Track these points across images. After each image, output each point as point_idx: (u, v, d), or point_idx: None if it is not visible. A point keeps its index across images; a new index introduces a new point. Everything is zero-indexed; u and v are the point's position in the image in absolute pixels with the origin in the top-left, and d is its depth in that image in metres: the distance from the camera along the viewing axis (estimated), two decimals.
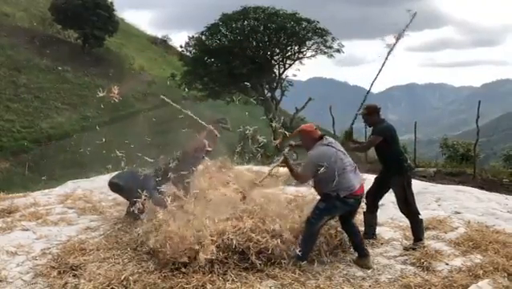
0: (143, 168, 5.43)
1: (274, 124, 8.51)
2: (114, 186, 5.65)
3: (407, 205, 4.76)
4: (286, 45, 23.21)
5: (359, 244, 4.39)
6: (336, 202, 4.19)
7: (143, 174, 5.34)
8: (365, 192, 4.58)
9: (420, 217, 4.81)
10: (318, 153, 4.22)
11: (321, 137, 4.34)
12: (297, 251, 4.15)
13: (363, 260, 4.32)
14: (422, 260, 4.30)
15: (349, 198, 4.19)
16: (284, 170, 9.14)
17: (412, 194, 4.77)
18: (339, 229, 4.67)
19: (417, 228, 4.75)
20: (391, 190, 4.89)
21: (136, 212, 5.17)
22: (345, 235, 4.62)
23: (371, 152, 5.75)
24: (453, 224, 5.41)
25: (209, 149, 5.55)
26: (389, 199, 5.10)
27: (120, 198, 5.89)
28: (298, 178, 4.42)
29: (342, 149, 4.36)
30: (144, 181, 5.25)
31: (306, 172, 4.27)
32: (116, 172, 5.79)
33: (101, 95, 4.67)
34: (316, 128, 4.42)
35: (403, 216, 4.92)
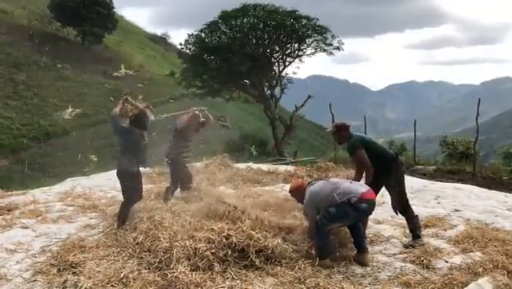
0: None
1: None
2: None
3: (396, 201, 4.78)
4: (285, 42, 23.13)
5: (360, 239, 4.39)
6: (348, 209, 4.14)
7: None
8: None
9: (415, 213, 4.84)
10: (310, 194, 4.42)
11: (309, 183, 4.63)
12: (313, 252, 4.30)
13: (361, 256, 4.32)
14: (422, 258, 4.31)
15: (361, 203, 4.15)
16: (282, 168, 9.09)
17: (397, 193, 4.75)
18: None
19: (413, 224, 4.77)
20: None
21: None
22: (343, 232, 4.62)
23: None
24: (452, 222, 5.41)
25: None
26: (389, 197, 5.08)
27: (119, 197, 5.88)
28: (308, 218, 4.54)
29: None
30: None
31: (310, 212, 4.43)
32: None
33: None
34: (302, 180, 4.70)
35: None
